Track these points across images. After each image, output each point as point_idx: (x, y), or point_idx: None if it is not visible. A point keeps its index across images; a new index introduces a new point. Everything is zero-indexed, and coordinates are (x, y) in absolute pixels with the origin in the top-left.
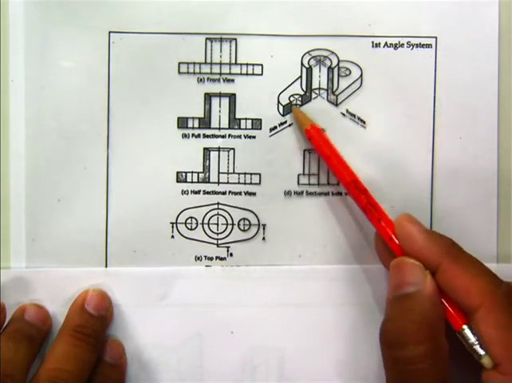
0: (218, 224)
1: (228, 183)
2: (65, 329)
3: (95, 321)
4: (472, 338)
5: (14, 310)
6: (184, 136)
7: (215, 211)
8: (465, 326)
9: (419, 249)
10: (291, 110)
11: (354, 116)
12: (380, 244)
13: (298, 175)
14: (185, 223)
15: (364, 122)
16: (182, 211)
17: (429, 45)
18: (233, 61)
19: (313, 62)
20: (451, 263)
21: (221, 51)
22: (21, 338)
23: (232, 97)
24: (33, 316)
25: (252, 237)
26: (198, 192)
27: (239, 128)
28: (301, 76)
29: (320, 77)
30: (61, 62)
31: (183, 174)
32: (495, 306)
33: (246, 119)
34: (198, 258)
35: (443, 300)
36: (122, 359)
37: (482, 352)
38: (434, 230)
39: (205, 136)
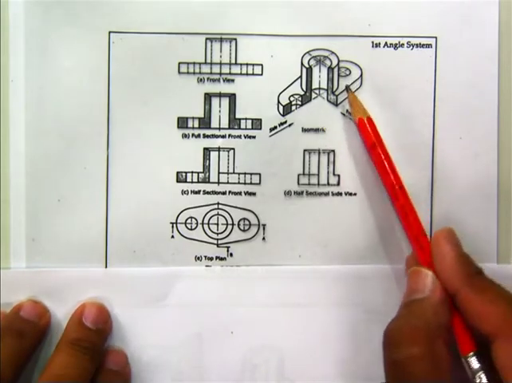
0: (218, 224)
1: (228, 183)
2: (64, 343)
3: (93, 335)
4: (476, 366)
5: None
6: (184, 136)
7: (215, 211)
8: (471, 353)
9: (447, 268)
10: (349, 94)
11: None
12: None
13: (298, 175)
14: (185, 223)
15: None
16: (182, 211)
17: (429, 45)
18: (233, 61)
19: (313, 62)
20: (472, 288)
21: (221, 51)
22: (9, 334)
23: (232, 97)
24: (28, 312)
25: (252, 237)
26: (198, 192)
27: (239, 128)
28: (301, 76)
29: (320, 77)
30: (61, 62)
31: (183, 174)
32: None
33: (246, 119)
34: (198, 258)
35: (457, 321)
36: (126, 368)
37: (485, 380)
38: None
39: (205, 136)
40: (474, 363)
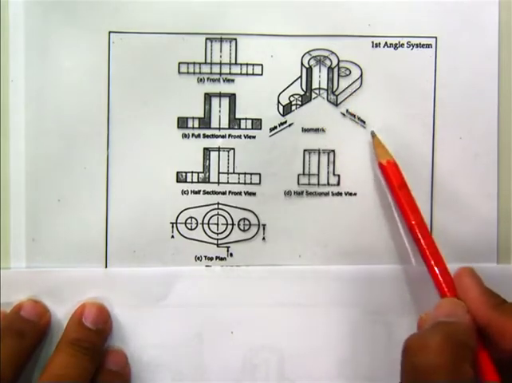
0: (218, 224)
1: (228, 183)
2: (64, 343)
3: (93, 335)
4: None
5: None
6: (184, 136)
7: (215, 211)
8: None
9: (474, 299)
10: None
11: (354, 116)
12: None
13: (298, 175)
14: (185, 223)
15: (364, 122)
16: (182, 211)
17: (429, 45)
18: (233, 61)
19: (313, 62)
20: (503, 315)
21: (221, 51)
22: (9, 334)
23: (232, 97)
24: (29, 311)
25: (252, 237)
26: (198, 192)
27: (239, 128)
28: (301, 76)
29: (320, 77)
30: (61, 62)
31: (183, 174)
32: None
33: (246, 119)
34: (198, 258)
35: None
36: (126, 368)
37: None
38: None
39: (205, 136)
40: None
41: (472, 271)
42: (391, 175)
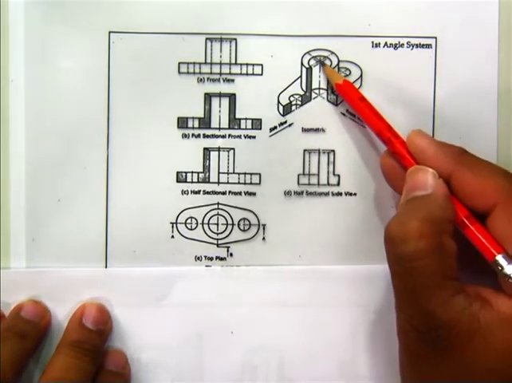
0: (218, 224)
1: (228, 183)
2: (64, 344)
3: (94, 336)
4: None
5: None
6: (184, 136)
7: (215, 211)
8: (499, 256)
9: (431, 159)
10: (324, 70)
11: (354, 116)
12: (390, 167)
13: (298, 175)
14: (185, 223)
15: None
16: (182, 211)
17: (429, 45)
18: (233, 61)
19: (313, 62)
20: (463, 169)
21: (221, 51)
22: (11, 335)
23: (232, 97)
24: (29, 312)
25: (252, 237)
26: (198, 192)
27: (239, 128)
28: (301, 76)
29: (320, 77)
30: (61, 62)
31: (183, 174)
32: (511, 201)
33: (246, 119)
34: (198, 258)
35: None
36: (126, 369)
37: None
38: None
39: (205, 136)
40: (502, 261)
41: (421, 131)
42: (350, 92)
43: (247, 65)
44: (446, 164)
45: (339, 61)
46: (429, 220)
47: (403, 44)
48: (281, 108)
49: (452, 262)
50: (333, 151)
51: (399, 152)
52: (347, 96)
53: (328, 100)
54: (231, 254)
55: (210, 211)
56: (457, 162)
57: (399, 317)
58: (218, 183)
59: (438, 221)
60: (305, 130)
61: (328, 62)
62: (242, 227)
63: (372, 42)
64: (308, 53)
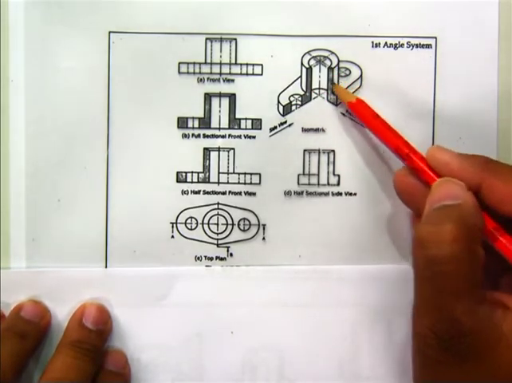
0: (218, 224)
1: (228, 183)
2: (64, 344)
3: (94, 336)
4: None
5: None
6: (184, 136)
7: (215, 211)
8: None
9: (457, 171)
10: (335, 89)
11: (354, 116)
12: (407, 184)
13: (298, 175)
14: (185, 223)
15: None
16: (182, 211)
17: (429, 45)
18: (233, 61)
19: (313, 62)
20: (492, 177)
21: (221, 51)
22: (11, 335)
23: (232, 97)
24: (29, 312)
25: (252, 237)
26: (198, 192)
27: (239, 128)
28: (301, 76)
29: (320, 77)
30: (61, 62)
31: (183, 174)
32: None
33: (246, 119)
34: (198, 258)
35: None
36: (126, 369)
37: None
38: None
39: (205, 136)
40: None
41: (440, 147)
42: (363, 110)
43: (247, 65)
44: (472, 175)
45: (339, 61)
46: (463, 225)
47: (403, 44)
48: (281, 108)
49: (480, 270)
50: (333, 151)
51: (419, 167)
52: (360, 115)
53: (328, 100)
54: (231, 254)
55: (210, 211)
56: (484, 171)
57: (418, 323)
58: (218, 183)
59: (471, 227)
60: (305, 130)
61: (328, 62)
62: (242, 227)
63: (372, 42)
64: (308, 53)
